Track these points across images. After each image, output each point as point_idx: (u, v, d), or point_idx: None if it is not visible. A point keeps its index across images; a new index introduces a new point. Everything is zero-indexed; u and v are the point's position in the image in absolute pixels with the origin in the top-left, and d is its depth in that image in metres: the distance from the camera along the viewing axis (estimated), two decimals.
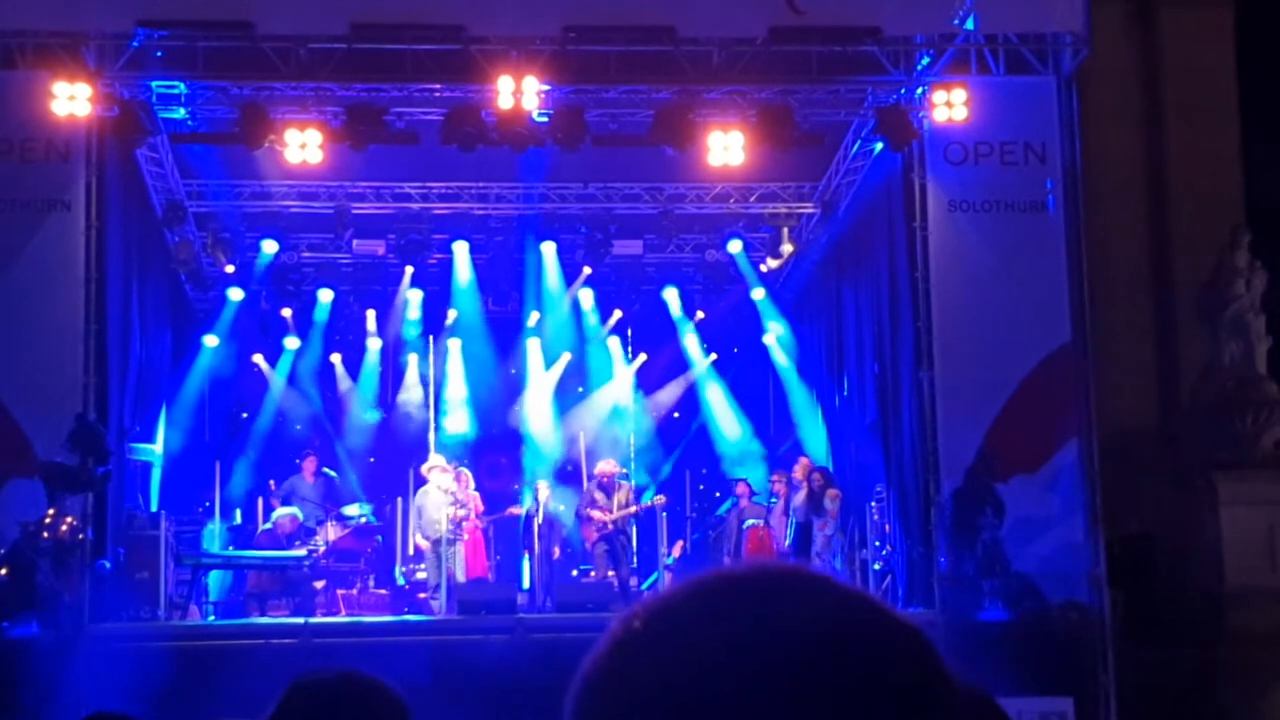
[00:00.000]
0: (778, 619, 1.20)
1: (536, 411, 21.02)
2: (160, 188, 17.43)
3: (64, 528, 13.37)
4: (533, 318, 20.95)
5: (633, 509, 17.69)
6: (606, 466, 18.02)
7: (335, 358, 21.12)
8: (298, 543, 16.85)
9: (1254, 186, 19.73)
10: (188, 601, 15.68)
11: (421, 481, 17.72)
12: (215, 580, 17.10)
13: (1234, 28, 20.16)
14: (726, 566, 1.29)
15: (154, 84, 15.22)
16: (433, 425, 20.31)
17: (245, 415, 20.62)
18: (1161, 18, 19.89)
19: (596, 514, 17.55)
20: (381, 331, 21.10)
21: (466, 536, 17.34)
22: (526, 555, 18.26)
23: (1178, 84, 19.76)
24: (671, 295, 21.18)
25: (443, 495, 17.08)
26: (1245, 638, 15.54)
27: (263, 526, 17.66)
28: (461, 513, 17.11)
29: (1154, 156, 19.79)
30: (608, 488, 17.72)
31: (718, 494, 20.36)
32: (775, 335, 20.60)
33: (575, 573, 17.95)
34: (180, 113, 15.73)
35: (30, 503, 13.50)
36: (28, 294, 14.23)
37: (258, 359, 20.69)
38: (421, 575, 17.59)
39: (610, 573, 17.22)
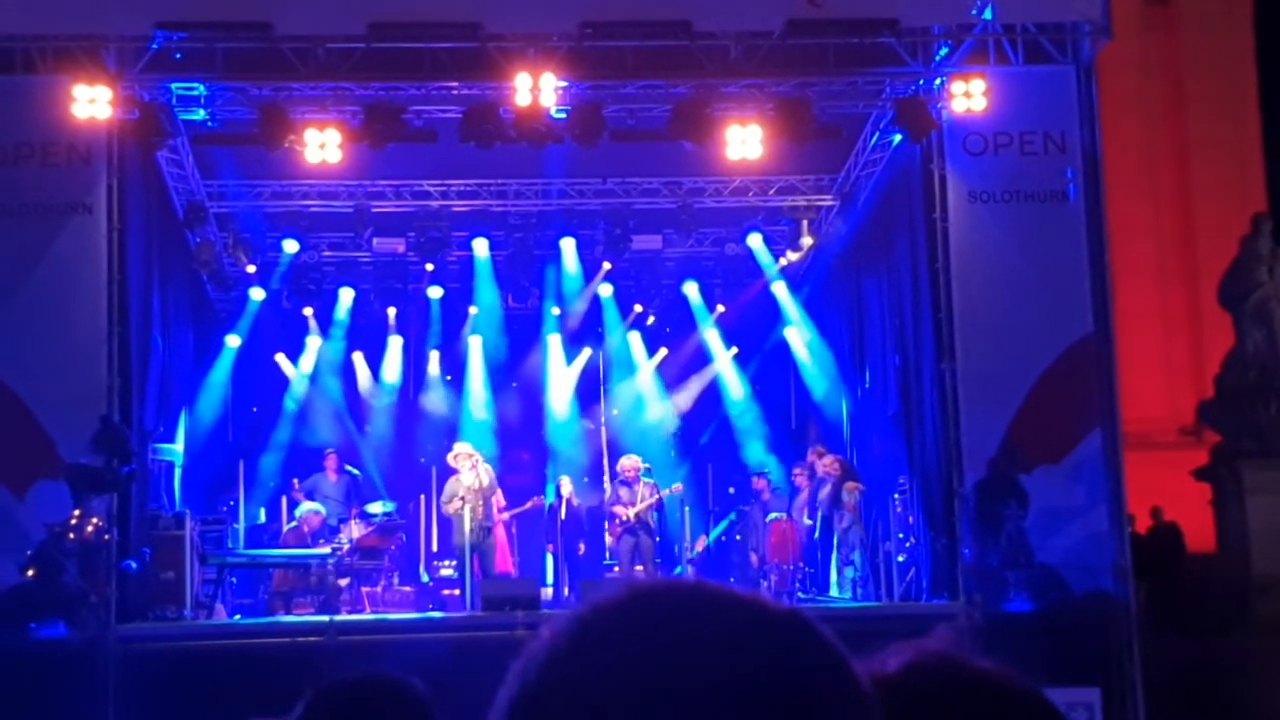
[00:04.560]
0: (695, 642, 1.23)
1: (558, 407, 21.05)
2: (181, 189, 17.49)
3: (89, 529, 13.43)
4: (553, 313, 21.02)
5: (653, 499, 17.72)
6: (629, 462, 18.06)
7: (357, 356, 21.18)
8: (322, 541, 16.92)
9: (1275, 174, 19.66)
10: (213, 601, 15.75)
11: (448, 471, 17.81)
12: (241, 578, 17.18)
13: (1253, 15, 20.10)
14: (632, 590, 1.31)
15: (174, 86, 15.27)
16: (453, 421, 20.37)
17: (267, 414, 20.67)
18: (1181, 6, 19.83)
19: (619, 509, 17.62)
20: (402, 329, 21.15)
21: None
22: (549, 550, 18.31)
23: (1197, 72, 19.69)
24: (692, 289, 21.19)
25: (470, 476, 17.18)
26: (1272, 626, 15.49)
27: (288, 525, 17.73)
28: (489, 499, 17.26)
29: (1174, 145, 19.74)
30: (630, 483, 17.78)
31: (731, 490, 20.35)
32: (795, 328, 20.59)
33: (615, 567, 17.94)
34: (200, 114, 15.78)
35: (56, 504, 13.55)
36: (51, 297, 14.28)
37: (280, 358, 20.76)
38: (446, 572, 17.65)
39: (639, 567, 17.26)
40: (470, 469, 17.29)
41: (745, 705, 1.20)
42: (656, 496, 17.79)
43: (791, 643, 1.26)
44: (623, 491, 17.78)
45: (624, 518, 17.57)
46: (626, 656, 1.22)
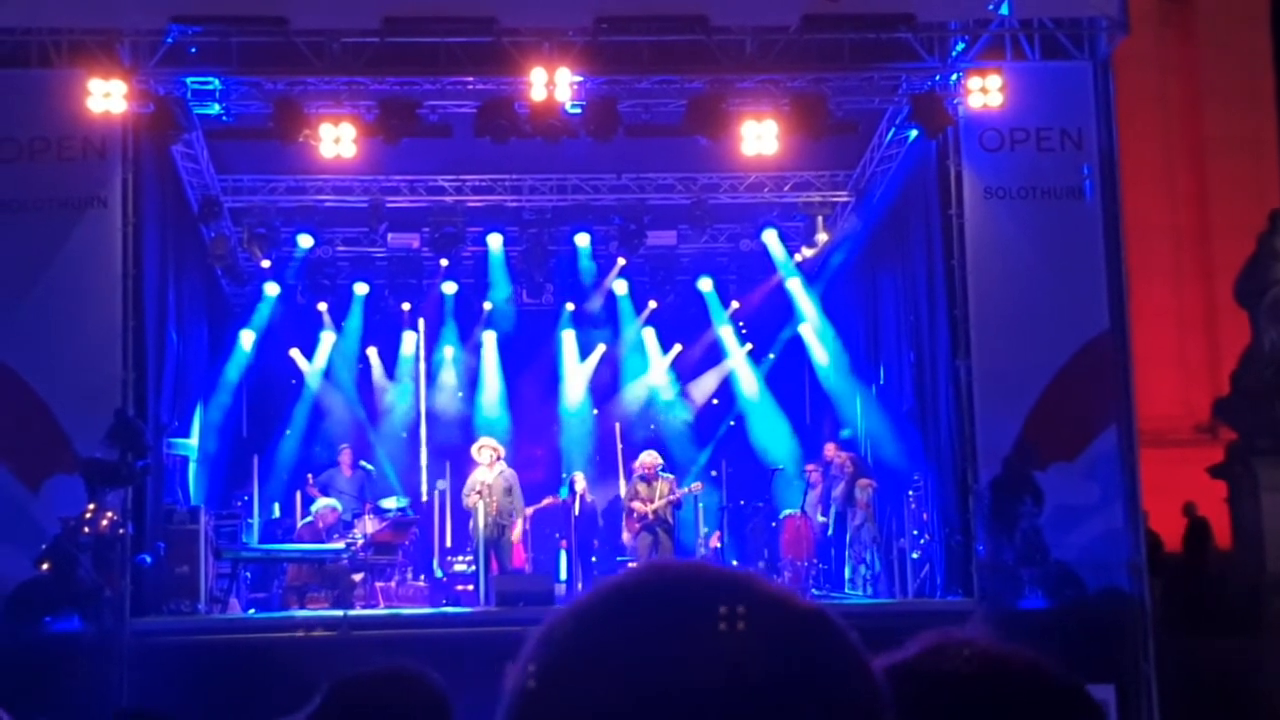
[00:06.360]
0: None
1: (572, 403, 21.05)
2: (196, 183, 17.52)
3: (104, 523, 13.46)
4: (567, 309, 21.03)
5: (673, 496, 17.68)
6: (648, 458, 18.02)
7: (371, 351, 21.20)
8: (336, 536, 16.94)
9: None
10: (228, 595, 15.77)
11: (466, 465, 17.80)
12: (255, 573, 17.20)
13: (1271, 12, 20.01)
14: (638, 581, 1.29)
15: (189, 80, 15.28)
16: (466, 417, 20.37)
17: (281, 409, 20.69)
18: (1199, 2, 19.76)
19: (638, 505, 17.58)
20: (416, 324, 21.16)
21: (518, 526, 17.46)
22: (563, 546, 18.30)
23: (1215, 68, 19.61)
24: (706, 285, 21.17)
25: (488, 473, 17.13)
26: None
27: (303, 520, 17.75)
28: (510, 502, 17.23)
29: (1192, 141, 19.66)
30: (649, 479, 17.74)
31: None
32: (810, 324, 20.56)
33: (630, 563, 17.91)
34: (215, 108, 15.78)
35: (70, 498, 13.58)
36: (66, 291, 14.30)
37: (294, 353, 20.78)
38: (460, 567, 17.65)
39: None
40: (488, 465, 17.27)
41: (742, 684, 1.18)
42: (676, 494, 17.75)
43: (802, 629, 1.24)
44: (641, 487, 17.73)
45: (642, 513, 17.53)
46: (627, 641, 1.20)
